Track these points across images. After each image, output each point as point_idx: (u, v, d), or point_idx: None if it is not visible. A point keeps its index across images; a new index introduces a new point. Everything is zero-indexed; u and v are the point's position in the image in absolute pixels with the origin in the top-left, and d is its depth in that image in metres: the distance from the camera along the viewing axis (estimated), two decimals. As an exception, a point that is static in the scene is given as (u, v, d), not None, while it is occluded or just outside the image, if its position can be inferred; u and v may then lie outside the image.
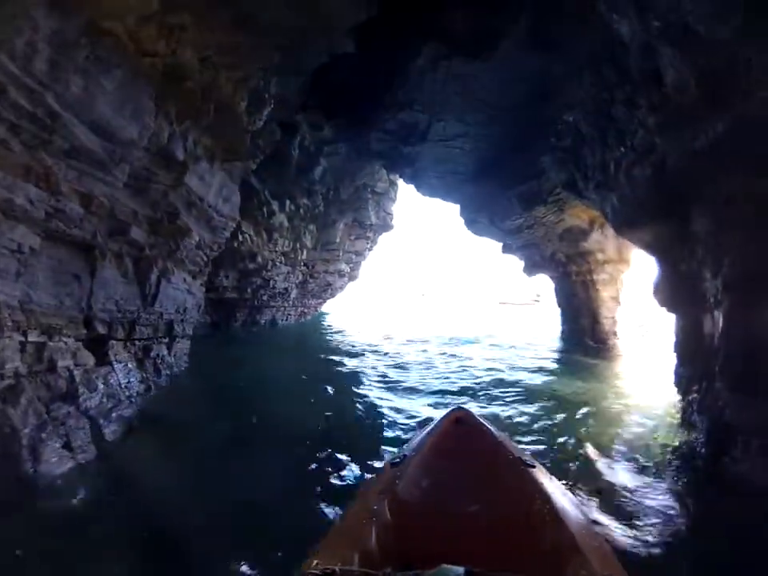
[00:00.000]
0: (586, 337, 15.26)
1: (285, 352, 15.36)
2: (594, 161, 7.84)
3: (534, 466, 3.74)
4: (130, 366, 7.64)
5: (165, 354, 8.63)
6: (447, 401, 9.03)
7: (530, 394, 9.98)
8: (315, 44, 7.71)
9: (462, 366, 13.47)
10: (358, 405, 9.29)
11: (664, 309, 7.89)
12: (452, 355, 15.61)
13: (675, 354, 7.58)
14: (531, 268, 16.76)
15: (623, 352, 14.55)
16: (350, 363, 13.87)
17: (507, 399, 9.63)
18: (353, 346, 17.55)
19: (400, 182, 21.98)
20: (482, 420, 4.49)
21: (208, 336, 15.91)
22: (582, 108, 7.55)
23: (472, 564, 2.36)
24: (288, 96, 9.15)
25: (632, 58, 5.86)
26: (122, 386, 7.26)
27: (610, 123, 7.03)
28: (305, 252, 19.33)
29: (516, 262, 17.11)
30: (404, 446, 4.78)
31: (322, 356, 15.04)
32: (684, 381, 7.25)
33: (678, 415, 7.24)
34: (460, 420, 4.40)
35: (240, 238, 13.94)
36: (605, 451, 6.49)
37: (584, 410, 8.57)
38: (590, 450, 6.49)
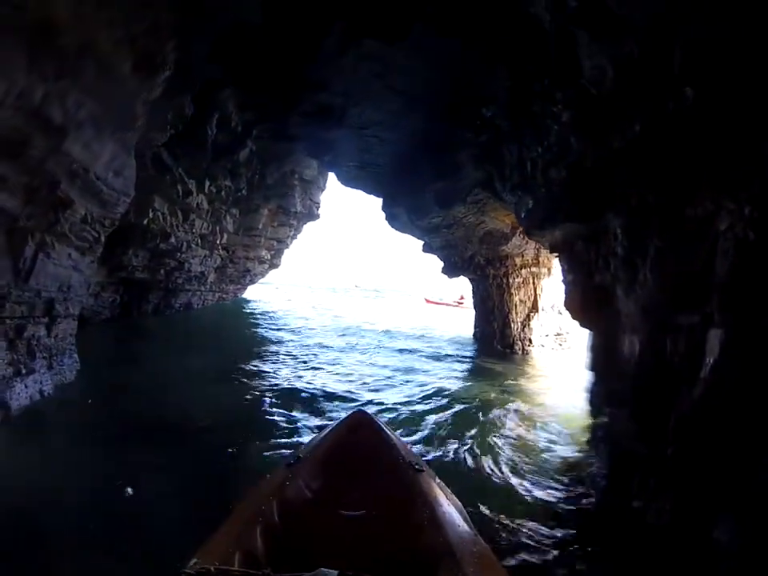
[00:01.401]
0: (495, 341, 15.22)
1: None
2: (511, 159, 7.65)
3: (422, 471, 3.82)
4: (-4, 346, 7.01)
5: (42, 335, 7.95)
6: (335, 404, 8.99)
7: (420, 393, 9.95)
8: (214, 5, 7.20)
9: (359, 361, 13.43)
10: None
11: (576, 321, 7.73)
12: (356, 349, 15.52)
13: (591, 371, 7.45)
14: (451, 269, 16.69)
15: (533, 360, 14.47)
16: (266, 353, 13.53)
17: (396, 395, 9.71)
18: (270, 337, 16.97)
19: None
20: (380, 424, 4.64)
21: (115, 318, 15.13)
22: (500, 102, 7.30)
23: (351, 567, 2.42)
24: (194, 65, 8.52)
25: (550, 45, 5.60)
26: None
27: (527, 119, 6.82)
28: (225, 236, 18.65)
29: (437, 261, 17.00)
30: (302, 447, 4.80)
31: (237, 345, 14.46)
32: (596, 401, 7.12)
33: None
34: (358, 423, 4.56)
35: (151, 214, 13.19)
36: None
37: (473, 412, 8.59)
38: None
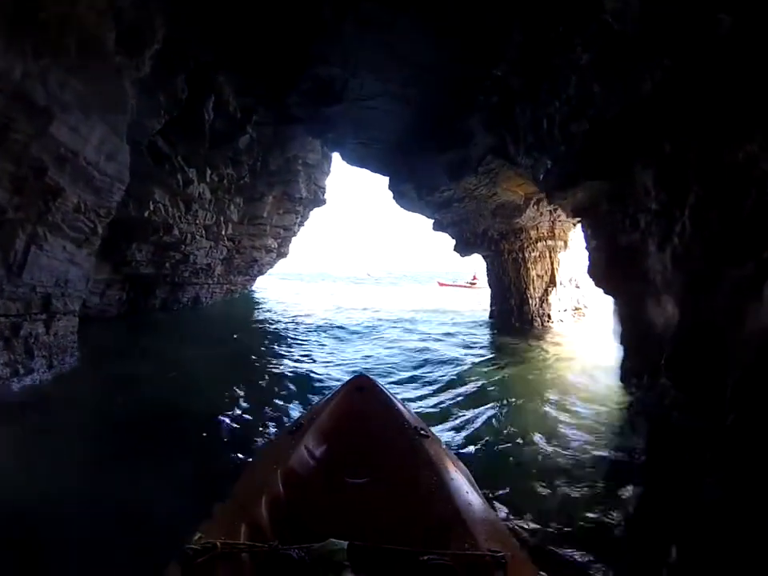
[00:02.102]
0: (513, 317, 14.61)
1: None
2: (525, 119, 7.06)
3: (428, 437, 3.73)
4: (-9, 346, 6.67)
5: (40, 332, 7.61)
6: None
7: (439, 377, 9.43)
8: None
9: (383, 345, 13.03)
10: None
11: (600, 290, 7.24)
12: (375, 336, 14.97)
13: (620, 342, 6.95)
14: (463, 246, 15.98)
15: (553, 334, 13.78)
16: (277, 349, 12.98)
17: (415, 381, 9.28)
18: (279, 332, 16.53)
19: (335, 155, 21.06)
20: (382, 388, 4.58)
21: (122, 315, 14.79)
22: (512, 59, 6.74)
23: (360, 537, 2.38)
24: (185, 44, 8.08)
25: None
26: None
27: (543, 73, 6.27)
28: (230, 226, 18.23)
29: (449, 241, 16.38)
30: (303, 414, 4.69)
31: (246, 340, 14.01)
32: (630, 374, 6.65)
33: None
34: (360, 387, 4.49)
35: (152, 207, 12.79)
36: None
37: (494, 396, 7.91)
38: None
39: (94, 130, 7.00)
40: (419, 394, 8.23)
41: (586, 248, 7.40)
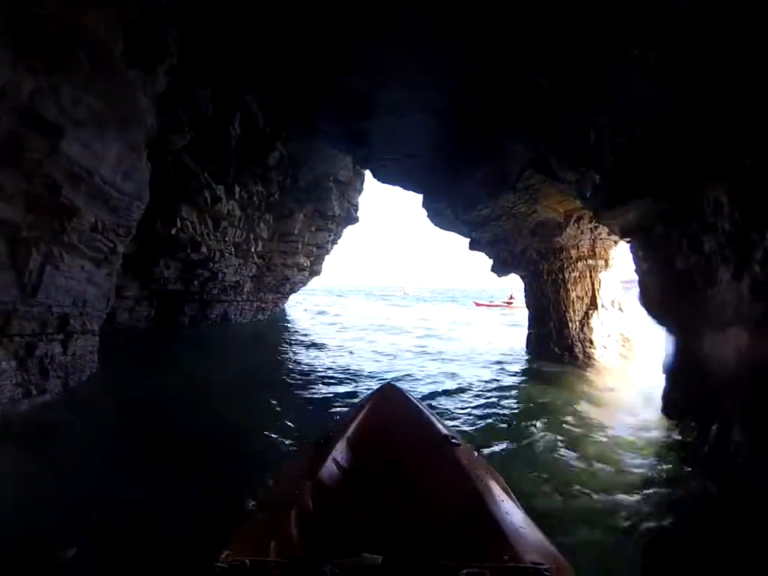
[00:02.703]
0: (551, 342, 13.75)
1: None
2: (570, 130, 6.47)
3: (459, 444, 3.60)
4: (5, 366, 6.51)
5: (56, 353, 7.45)
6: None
7: (469, 402, 8.98)
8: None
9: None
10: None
11: (652, 317, 6.72)
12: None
13: (666, 374, 6.44)
14: (501, 267, 15.21)
15: (595, 363, 12.91)
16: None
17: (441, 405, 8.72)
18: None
19: (367, 172, 20.85)
20: (410, 396, 4.49)
21: (150, 331, 14.77)
22: (556, 63, 6.17)
23: (394, 551, 2.30)
24: (207, 57, 7.94)
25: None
26: (-15, 392, 6.18)
27: (593, 77, 5.71)
28: (260, 243, 18.15)
29: (485, 258, 15.81)
30: (332, 426, 4.51)
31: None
32: (677, 411, 6.11)
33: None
34: (387, 396, 4.45)
35: (179, 224, 12.74)
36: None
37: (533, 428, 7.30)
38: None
39: (110, 147, 6.84)
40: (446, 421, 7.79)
41: (636, 271, 6.82)
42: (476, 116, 8.55)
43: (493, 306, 50.11)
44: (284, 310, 28.43)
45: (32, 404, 6.83)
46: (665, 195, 5.35)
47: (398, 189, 15.02)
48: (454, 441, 3.63)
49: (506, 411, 8.36)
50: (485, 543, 2.45)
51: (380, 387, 4.78)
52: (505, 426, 7.59)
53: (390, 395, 4.49)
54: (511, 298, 47.74)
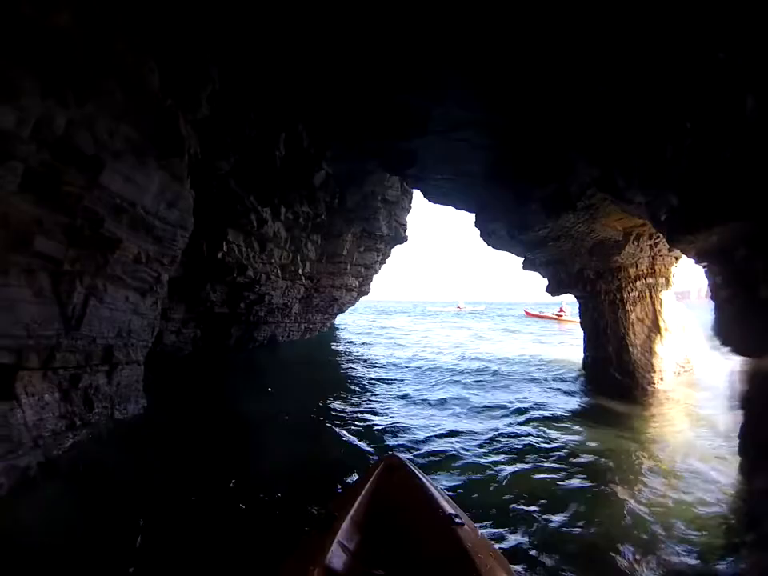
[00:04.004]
0: (611, 367, 12.83)
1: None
2: (640, 145, 5.88)
3: (462, 524, 3.63)
4: (48, 399, 6.42)
5: (101, 383, 7.37)
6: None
7: (508, 448, 8.08)
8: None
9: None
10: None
11: (728, 348, 6.09)
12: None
13: (744, 415, 5.87)
14: (556, 287, 14.60)
15: (661, 392, 11.88)
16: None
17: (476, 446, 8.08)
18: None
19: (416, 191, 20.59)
20: (413, 469, 4.52)
21: (197, 353, 14.77)
22: (621, 68, 5.58)
23: None
24: (250, 79, 7.80)
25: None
26: (29, 424, 6.05)
27: (668, 81, 5.11)
28: (307, 264, 18.02)
29: (539, 279, 15.14)
30: (330, 503, 4.43)
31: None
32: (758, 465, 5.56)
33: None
34: (391, 468, 4.50)
35: (225, 248, 12.69)
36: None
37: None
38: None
39: (151, 177, 6.74)
40: (482, 463, 7.19)
41: (712, 298, 6.23)
42: (535, 133, 8.09)
43: (543, 317, 49.73)
44: (334, 327, 28.31)
45: (75, 438, 6.73)
46: (753, 216, 4.82)
47: (445, 208, 14.65)
48: (457, 520, 3.65)
49: (547, 461, 7.45)
50: None
51: (383, 458, 4.79)
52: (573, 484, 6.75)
53: (393, 468, 4.50)
54: (561, 310, 47.24)
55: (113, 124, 5.77)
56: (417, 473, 4.44)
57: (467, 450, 7.76)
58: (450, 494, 5.17)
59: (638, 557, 4.65)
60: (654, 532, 5.18)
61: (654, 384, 12.25)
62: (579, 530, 5.20)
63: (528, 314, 52.98)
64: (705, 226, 5.32)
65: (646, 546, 4.87)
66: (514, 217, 11.37)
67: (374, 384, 13.50)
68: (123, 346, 7.70)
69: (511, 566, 3.75)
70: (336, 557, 3.31)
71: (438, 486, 4.60)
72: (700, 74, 4.63)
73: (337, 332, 28.43)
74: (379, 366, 16.94)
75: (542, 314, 51.95)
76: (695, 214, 5.44)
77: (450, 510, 3.84)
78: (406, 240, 24.05)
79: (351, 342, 24.60)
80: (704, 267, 6.39)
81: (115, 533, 4.76)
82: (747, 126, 4.31)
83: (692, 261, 6.53)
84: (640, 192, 6.35)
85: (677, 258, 12.69)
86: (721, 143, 4.70)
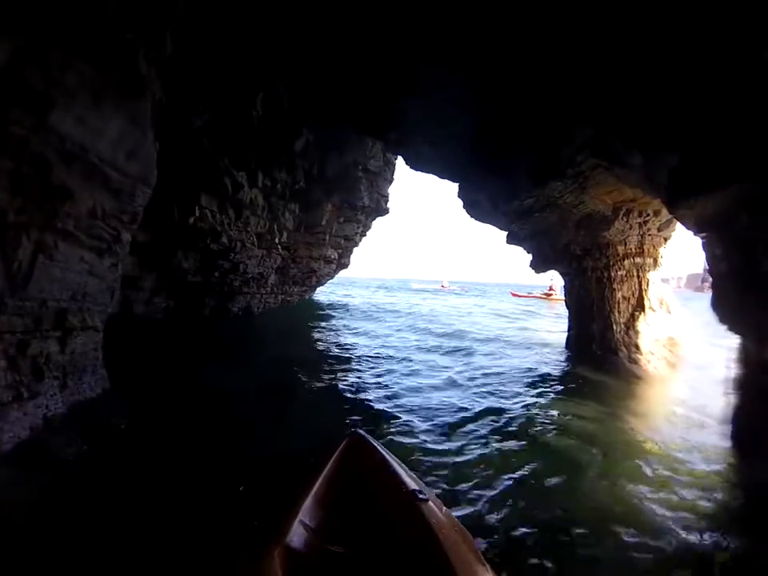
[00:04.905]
0: (594, 344, 12.65)
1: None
2: (641, 103, 5.32)
3: (426, 500, 3.58)
4: (-8, 366, 5.81)
5: (53, 351, 6.73)
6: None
7: (491, 419, 7.85)
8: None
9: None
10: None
11: (726, 325, 5.74)
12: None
13: (738, 393, 5.51)
14: (541, 262, 14.30)
15: (643, 370, 11.72)
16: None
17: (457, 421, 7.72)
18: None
19: (398, 162, 20.05)
20: (378, 447, 4.50)
21: (169, 323, 14.11)
22: (623, 20, 4.99)
23: None
24: (222, 26, 7.12)
25: None
26: (-32, 396, 5.47)
27: (674, 34, 4.55)
28: (284, 234, 17.38)
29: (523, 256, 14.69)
30: (298, 478, 4.23)
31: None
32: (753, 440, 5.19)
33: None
34: (355, 446, 4.48)
35: (197, 213, 12.01)
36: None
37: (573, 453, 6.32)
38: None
39: (109, 121, 6.04)
40: (461, 441, 6.85)
41: (709, 272, 5.79)
42: (525, 93, 7.52)
43: (531, 296, 49.78)
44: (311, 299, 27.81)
45: (21, 411, 6.11)
46: (755, 177, 4.35)
47: (430, 181, 14.08)
48: (421, 496, 3.60)
49: (547, 432, 7.31)
50: None
51: (348, 436, 4.70)
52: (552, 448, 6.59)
53: (357, 445, 4.49)
54: (551, 289, 47.47)
55: (66, 57, 5.10)
56: (381, 450, 4.42)
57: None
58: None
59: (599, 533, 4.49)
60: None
61: (636, 360, 12.12)
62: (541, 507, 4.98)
63: (514, 295, 52.87)
64: (706, 188, 4.83)
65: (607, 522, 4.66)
66: (499, 185, 10.90)
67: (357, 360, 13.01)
68: (78, 310, 7.05)
69: (477, 539, 3.63)
70: (297, 535, 3.24)
71: (403, 463, 4.44)
72: (712, 25, 4.15)
73: (314, 303, 27.85)
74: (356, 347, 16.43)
75: (529, 294, 52.04)
76: (697, 175, 5.00)
77: (413, 486, 3.80)
78: (388, 212, 23.52)
79: (330, 315, 24.05)
80: (703, 238, 5.96)
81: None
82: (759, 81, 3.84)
83: (691, 232, 6.09)
84: (639, 153, 5.85)
85: (665, 239, 12.50)
86: (728, 100, 4.20)
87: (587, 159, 7.85)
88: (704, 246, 5.86)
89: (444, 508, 3.75)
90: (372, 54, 8.05)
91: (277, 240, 16.78)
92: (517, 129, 8.44)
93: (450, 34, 6.68)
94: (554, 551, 4.16)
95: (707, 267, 5.96)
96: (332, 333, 17.61)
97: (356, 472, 4.12)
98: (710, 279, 5.86)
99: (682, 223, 6.07)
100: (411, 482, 3.92)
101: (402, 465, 4.38)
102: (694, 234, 5.90)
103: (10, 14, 4.56)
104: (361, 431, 4.85)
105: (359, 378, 10.66)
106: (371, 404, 8.53)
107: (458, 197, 13.63)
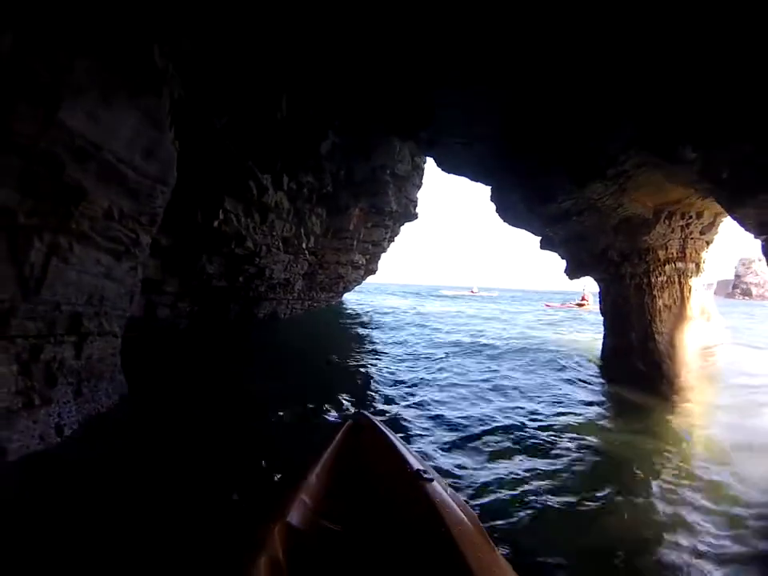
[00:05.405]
0: (634, 356, 11.87)
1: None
2: (700, 87, 4.77)
3: (431, 480, 3.49)
4: (3, 371, 5.58)
5: (67, 356, 6.51)
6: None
7: (514, 442, 7.10)
8: None
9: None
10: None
11: None
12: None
13: None
14: (576, 268, 13.62)
15: (685, 384, 10.73)
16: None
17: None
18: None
19: (427, 167, 19.69)
20: (382, 427, 4.45)
21: (193, 329, 13.95)
22: None
23: None
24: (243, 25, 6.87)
25: None
26: (-23, 401, 5.25)
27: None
28: (312, 239, 17.11)
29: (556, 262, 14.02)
30: (302, 459, 4.18)
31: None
32: None
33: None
34: (359, 427, 4.45)
35: (222, 216, 11.81)
36: None
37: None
38: None
39: (122, 117, 5.81)
40: (485, 456, 6.41)
41: None
42: (564, 83, 7.05)
43: (564, 307, 48.80)
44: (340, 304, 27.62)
45: (32, 417, 5.88)
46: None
47: (459, 187, 13.69)
48: (425, 476, 3.52)
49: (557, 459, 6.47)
50: None
51: (352, 416, 4.74)
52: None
53: (360, 426, 4.46)
54: (583, 299, 46.65)
55: (72, 49, 4.88)
56: (385, 431, 4.38)
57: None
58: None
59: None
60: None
61: (678, 373, 11.21)
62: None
63: (548, 306, 51.96)
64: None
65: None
66: (535, 187, 10.39)
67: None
68: (95, 314, 6.84)
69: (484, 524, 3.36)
70: (298, 513, 3.18)
71: (407, 445, 4.46)
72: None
73: (342, 309, 27.58)
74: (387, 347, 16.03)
75: (563, 305, 50.79)
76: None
77: (418, 465, 3.72)
78: (416, 217, 23.15)
79: (357, 321, 23.66)
80: (764, 240, 5.46)
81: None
82: None
83: (751, 234, 5.59)
84: (694, 147, 5.34)
85: (708, 243, 11.85)
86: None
87: (632, 157, 7.29)
88: (763, 248, 5.36)
89: (449, 489, 3.70)
90: (404, 45, 7.71)
91: (304, 245, 16.54)
92: (555, 125, 7.95)
93: (484, 26, 6.31)
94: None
95: (738, 273, 5.47)
96: (360, 338, 17.28)
97: (359, 451, 4.14)
98: (741, 286, 5.36)
99: (742, 224, 5.53)
100: (415, 461, 3.85)
101: (407, 446, 4.38)
102: (755, 237, 5.39)
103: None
104: (365, 412, 4.89)
105: (386, 384, 10.29)
106: (400, 413, 8.13)
107: (491, 200, 13.20)
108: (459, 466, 6.08)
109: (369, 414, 4.76)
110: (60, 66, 4.85)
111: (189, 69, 6.88)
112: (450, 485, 3.81)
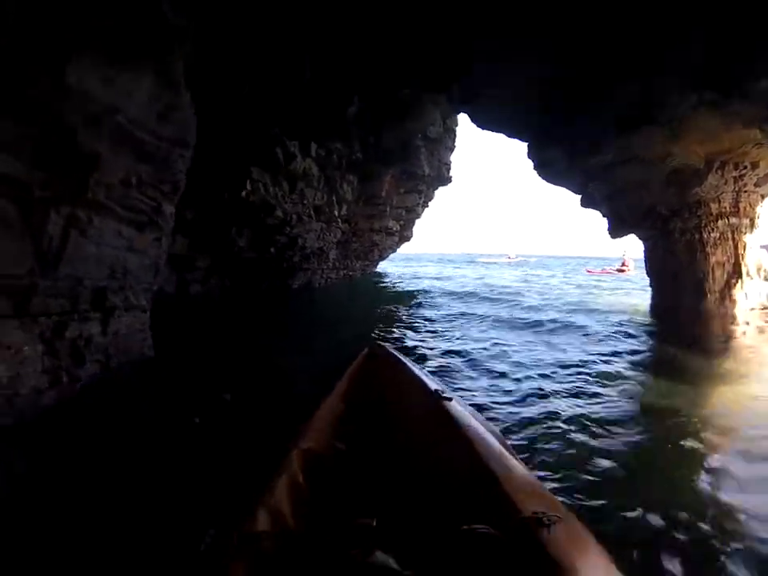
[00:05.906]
0: (683, 315, 11.14)
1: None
2: None
3: (450, 399, 3.44)
4: (28, 351, 5.39)
5: (93, 333, 6.32)
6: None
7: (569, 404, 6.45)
8: None
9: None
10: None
11: None
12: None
13: None
14: (620, 226, 13.01)
15: (739, 343, 9.87)
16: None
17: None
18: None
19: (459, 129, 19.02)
20: (397, 354, 4.52)
21: (225, 302, 13.74)
22: None
23: (389, 512, 2.37)
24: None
25: None
26: (2, 381, 5.04)
27: None
28: (344, 206, 16.74)
29: (600, 219, 13.26)
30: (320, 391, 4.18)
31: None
32: None
33: None
34: (373, 355, 4.56)
35: (249, 186, 11.49)
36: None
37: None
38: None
39: (136, 78, 5.47)
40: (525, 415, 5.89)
41: None
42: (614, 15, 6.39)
43: (605, 272, 48.36)
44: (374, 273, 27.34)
45: (61, 394, 5.70)
46: None
47: (494, 149, 13.09)
48: (444, 395, 3.48)
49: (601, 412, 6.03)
50: (484, 498, 2.35)
51: (366, 347, 4.77)
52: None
53: (375, 355, 4.54)
54: (624, 264, 46.00)
55: (81, 5, 4.54)
56: (400, 357, 4.43)
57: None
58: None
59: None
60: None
61: (732, 333, 10.56)
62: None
63: (589, 272, 51.59)
64: None
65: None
66: (578, 137, 9.76)
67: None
68: (119, 288, 6.62)
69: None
70: (316, 438, 3.20)
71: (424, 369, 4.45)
72: None
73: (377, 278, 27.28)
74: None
75: (603, 270, 49.94)
76: None
77: (435, 387, 3.71)
78: (450, 181, 22.52)
79: (394, 290, 23.25)
80: None
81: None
82: None
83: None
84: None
85: (763, 196, 11.11)
86: None
87: (689, 97, 6.64)
88: None
89: (470, 407, 3.74)
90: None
91: (336, 213, 16.19)
92: (602, 69, 7.31)
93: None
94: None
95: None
96: (399, 308, 16.89)
97: (376, 378, 4.19)
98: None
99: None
100: (433, 384, 3.83)
101: (423, 370, 4.39)
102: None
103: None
104: (380, 342, 4.95)
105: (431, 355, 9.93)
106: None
107: (528, 157, 12.57)
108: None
109: (382, 343, 4.85)
110: (68, 24, 4.51)
111: (206, 27, 6.50)
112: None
